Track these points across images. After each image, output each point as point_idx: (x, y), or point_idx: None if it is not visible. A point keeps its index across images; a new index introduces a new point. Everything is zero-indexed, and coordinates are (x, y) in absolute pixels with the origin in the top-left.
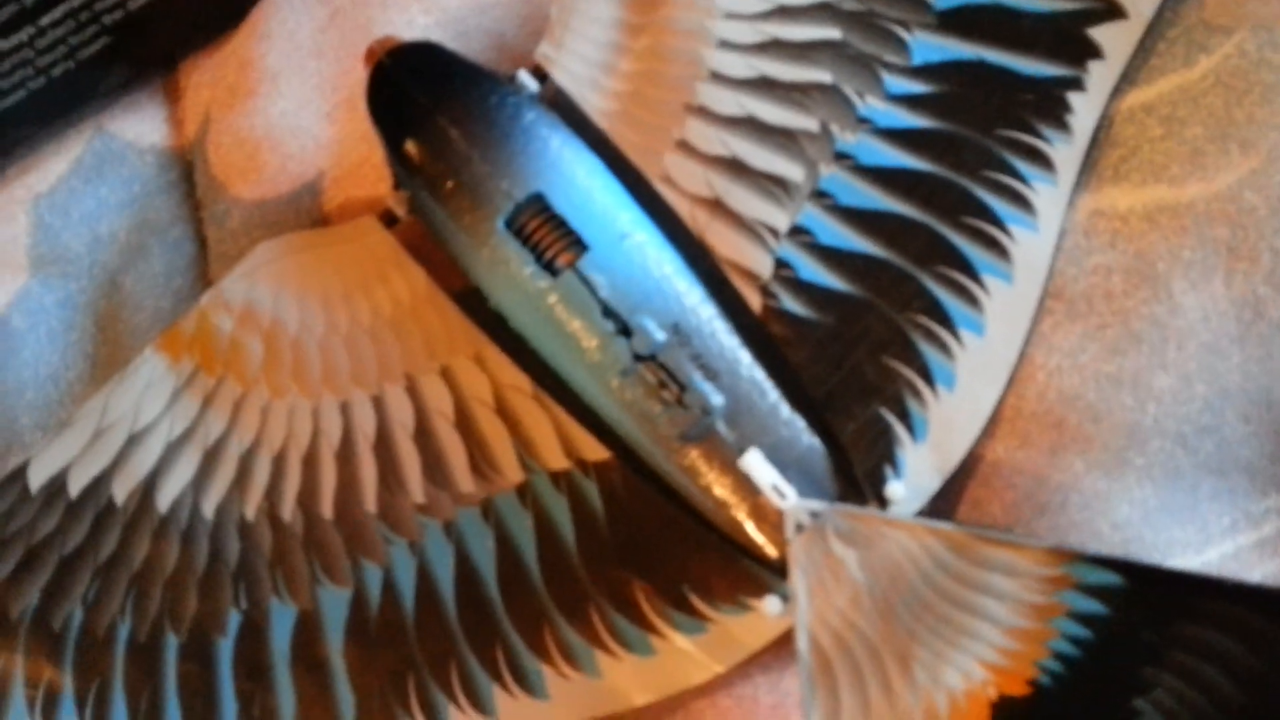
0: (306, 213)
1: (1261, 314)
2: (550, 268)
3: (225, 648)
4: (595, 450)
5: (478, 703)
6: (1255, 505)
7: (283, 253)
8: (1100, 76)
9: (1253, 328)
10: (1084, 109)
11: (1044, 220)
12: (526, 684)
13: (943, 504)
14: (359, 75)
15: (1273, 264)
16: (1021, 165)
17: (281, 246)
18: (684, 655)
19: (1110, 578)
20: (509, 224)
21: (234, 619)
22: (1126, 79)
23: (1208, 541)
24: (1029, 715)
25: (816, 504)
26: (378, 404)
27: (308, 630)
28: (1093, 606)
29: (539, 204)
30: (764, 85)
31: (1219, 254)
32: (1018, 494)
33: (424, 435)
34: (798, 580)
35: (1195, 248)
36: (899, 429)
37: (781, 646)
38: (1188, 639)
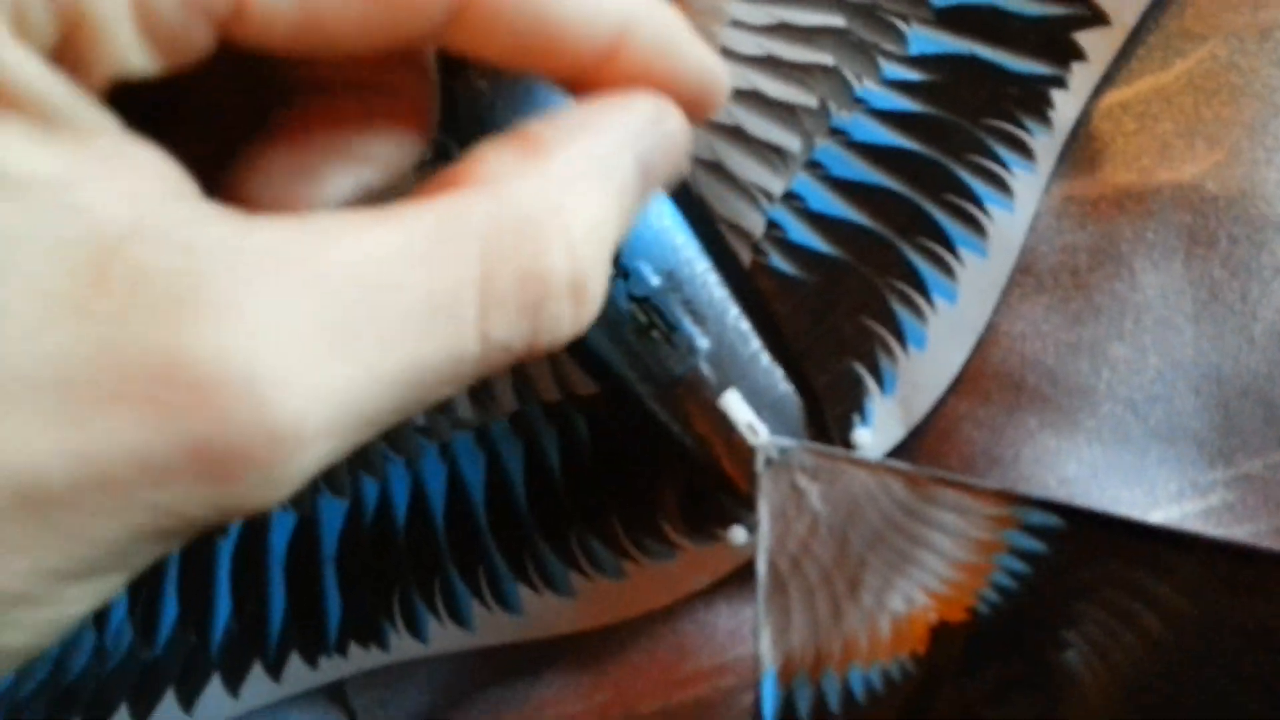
0: None
1: (1217, 295)
2: None
3: (225, 548)
4: (586, 385)
5: (457, 616)
6: (1203, 475)
7: None
8: (1082, 76)
9: (1208, 307)
10: (1065, 105)
11: (1020, 202)
12: (504, 601)
13: (903, 455)
14: None
15: (1230, 249)
16: (1003, 151)
17: None
18: (652, 579)
19: (1051, 519)
20: None
21: (235, 522)
22: (1107, 80)
23: (1154, 505)
24: (965, 639)
25: (786, 441)
26: None
27: (305, 536)
28: (1032, 545)
29: None
30: (770, 63)
31: (1180, 238)
32: (974, 448)
33: None
34: (762, 508)
35: (1158, 231)
36: (870, 382)
37: (744, 578)
38: (1118, 577)
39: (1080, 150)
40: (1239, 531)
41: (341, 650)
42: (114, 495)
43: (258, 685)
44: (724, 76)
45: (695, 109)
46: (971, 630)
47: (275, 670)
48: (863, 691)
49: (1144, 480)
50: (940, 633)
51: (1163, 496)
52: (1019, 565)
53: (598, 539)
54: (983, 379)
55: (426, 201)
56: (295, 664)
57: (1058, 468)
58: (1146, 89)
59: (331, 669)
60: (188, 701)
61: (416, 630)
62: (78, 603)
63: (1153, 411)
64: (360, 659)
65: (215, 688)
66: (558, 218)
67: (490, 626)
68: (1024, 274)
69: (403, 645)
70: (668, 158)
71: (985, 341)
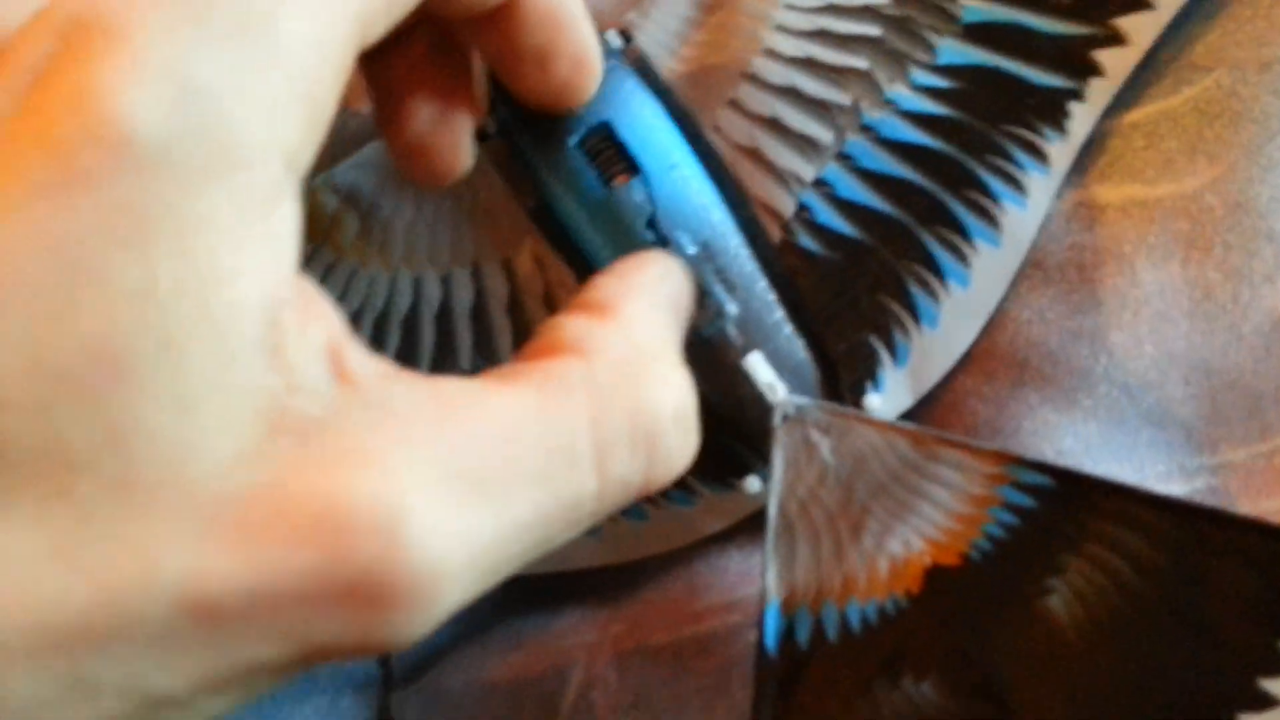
0: None
1: (1210, 295)
2: (608, 183)
3: None
4: None
5: None
6: (1190, 460)
7: (381, 147)
8: (1099, 91)
9: (1201, 305)
10: (1081, 116)
11: (1033, 201)
12: None
13: (911, 420)
14: None
15: (1224, 255)
16: (1020, 154)
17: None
18: (672, 521)
19: (1042, 479)
20: (580, 143)
21: None
22: (1122, 103)
23: (1142, 483)
24: (957, 581)
25: (802, 399)
26: (444, 283)
27: None
28: (1024, 500)
29: (606, 131)
30: (809, 64)
31: (1179, 242)
32: (978, 419)
33: (479, 315)
34: (777, 457)
35: (1159, 235)
36: (884, 354)
37: (757, 525)
38: (1101, 533)
39: (1092, 164)
40: None
41: None
42: (273, 621)
43: None
44: (597, 65)
45: (572, 82)
46: (964, 574)
47: None
48: (858, 623)
49: (1134, 459)
50: (934, 574)
51: (1151, 476)
52: (1010, 518)
53: None
54: (990, 358)
55: (525, 369)
56: None
57: (1055, 440)
58: (1156, 111)
59: None
60: None
61: None
62: (210, 712)
63: (1145, 396)
64: None
65: None
66: (647, 359)
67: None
68: (1034, 268)
69: None
70: (684, 297)
71: (993, 324)
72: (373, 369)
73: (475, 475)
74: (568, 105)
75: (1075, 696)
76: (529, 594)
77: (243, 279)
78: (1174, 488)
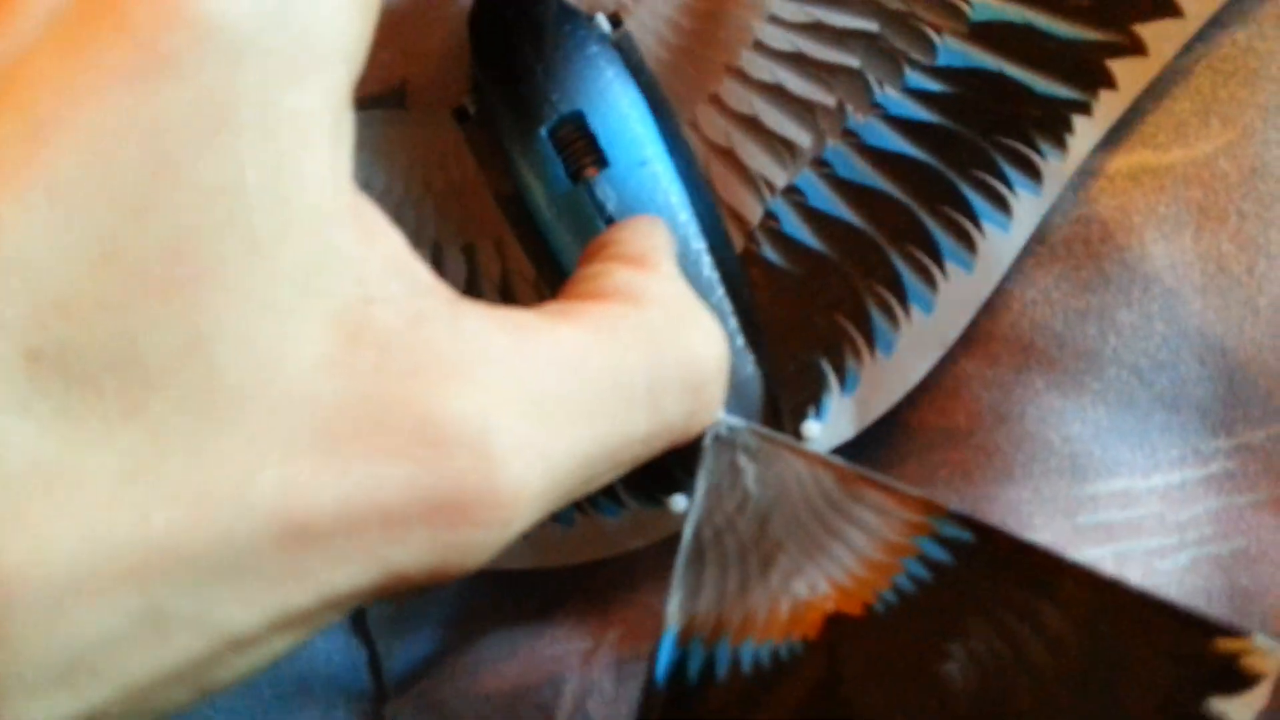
0: None
1: (1224, 268)
2: (574, 175)
3: None
4: None
5: None
6: (1205, 443)
7: (367, 121)
8: (1109, 105)
9: (1215, 279)
10: (1085, 132)
11: (1017, 224)
12: None
13: (912, 409)
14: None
15: (1239, 225)
16: (1011, 171)
17: (368, 116)
18: (597, 531)
19: (963, 534)
20: (551, 132)
21: None
22: None
23: (1155, 468)
24: (857, 632)
25: (736, 421)
26: None
27: None
28: (940, 554)
29: (578, 120)
30: (798, 59)
31: (1191, 212)
32: (981, 405)
33: None
34: (700, 480)
35: (1170, 204)
36: (832, 379)
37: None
38: (1014, 600)
39: None
40: (1240, 500)
41: None
42: (359, 543)
43: None
44: None
45: None
46: (865, 626)
47: None
48: (750, 665)
49: (1146, 444)
50: (834, 623)
51: (1163, 460)
52: (923, 572)
53: None
54: (992, 341)
55: (584, 308)
56: None
57: (1062, 426)
58: (1167, 70)
59: None
60: None
61: None
62: (269, 655)
63: (1158, 378)
64: None
65: None
66: (691, 311)
67: None
68: (1038, 243)
69: None
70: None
71: (997, 305)
72: (442, 286)
73: (548, 401)
74: None
75: None
76: (521, 599)
77: (322, 182)
78: (1188, 472)
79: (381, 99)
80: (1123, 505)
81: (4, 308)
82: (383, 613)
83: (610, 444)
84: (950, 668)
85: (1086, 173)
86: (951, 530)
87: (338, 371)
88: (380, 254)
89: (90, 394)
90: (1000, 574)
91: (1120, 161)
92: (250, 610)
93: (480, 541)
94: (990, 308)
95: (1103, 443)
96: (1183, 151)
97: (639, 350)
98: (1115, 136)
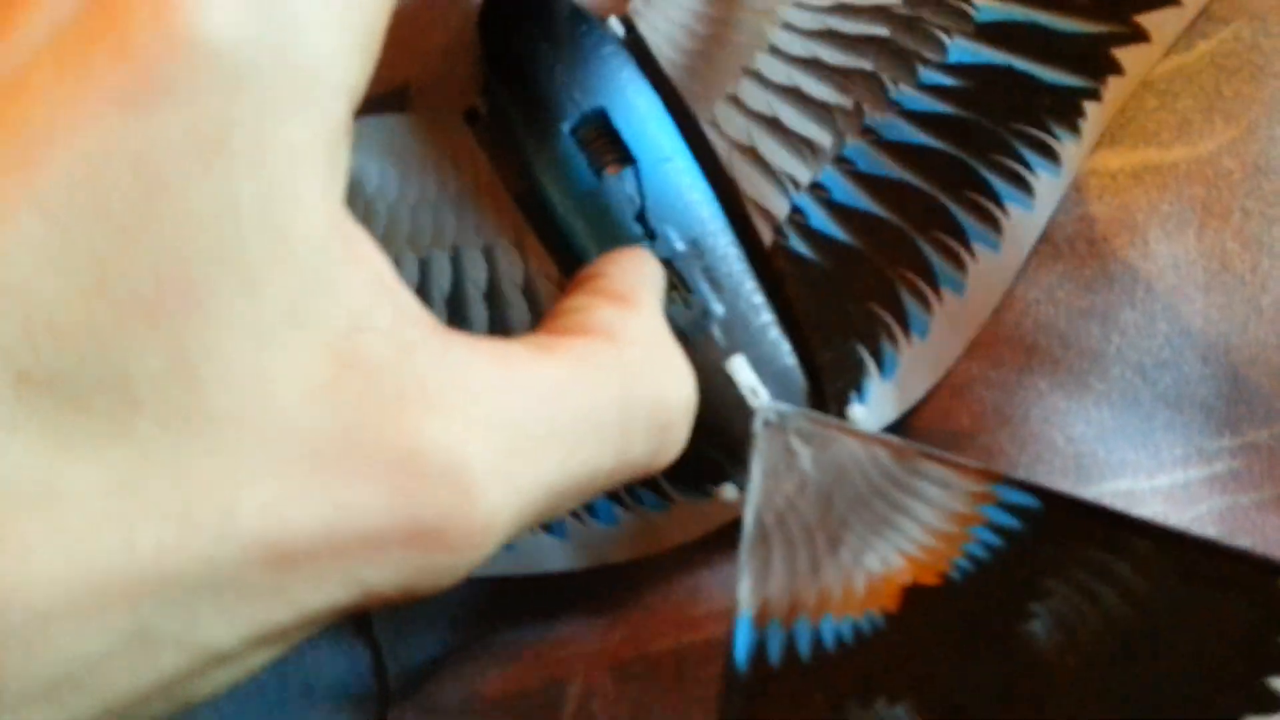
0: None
1: (1227, 266)
2: (598, 173)
3: None
4: None
5: None
6: (1209, 442)
7: (378, 127)
8: (1117, 90)
9: (1218, 277)
10: (1096, 116)
11: (1040, 202)
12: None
13: (916, 412)
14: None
15: (1242, 222)
16: (1029, 154)
17: (379, 122)
18: (644, 528)
19: (1028, 499)
20: (573, 130)
21: None
22: None
23: (1159, 468)
24: (936, 601)
25: (784, 406)
26: (423, 266)
27: None
28: (1008, 520)
29: (601, 118)
30: (814, 64)
31: (1194, 210)
32: (985, 406)
33: (456, 302)
34: (756, 465)
35: (1174, 202)
36: (870, 364)
37: (734, 537)
38: (1086, 558)
39: (1104, 126)
40: (1244, 499)
41: None
42: (338, 565)
43: None
44: None
45: None
46: (943, 594)
47: None
48: (833, 641)
49: (1150, 443)
50: (912, 593)
51: (1167, 460)
52: (994, 539)
53: None
54: (996, 343)
55: (563, 343)
56: None
57: (1066, 427)
58: (1170, 69)
59: None
60: None
61: None
62: (248, 669)
63: (1161, 377)
64: None
65: None
66: (665, 353)
67: (496, 560)
68: (1043, 242)
69: None
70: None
71: (1000, 306)
72: (428, 314)
73: (524, 433)
74: None
75: None
76: (524, 602)
77: (315, 212)
78: (1192, 472)
79: (384, 100)
80: (1127, 505)
81: None
82: (387, 616)
83: (579, 476)
84: (1033, 626)
85: (1091, 171)
86: (1016, 497)
87: (323, 399)
88: (370, 284)
89: (78, 415)
90: (1070, 535)
91: (1123, 159)
92: (233, 628)
93: (453, 564)
94: (994, 309)
95: (1107, 443)
96: (1186, 149)
97: (613, 389)
98: (1119, 134)
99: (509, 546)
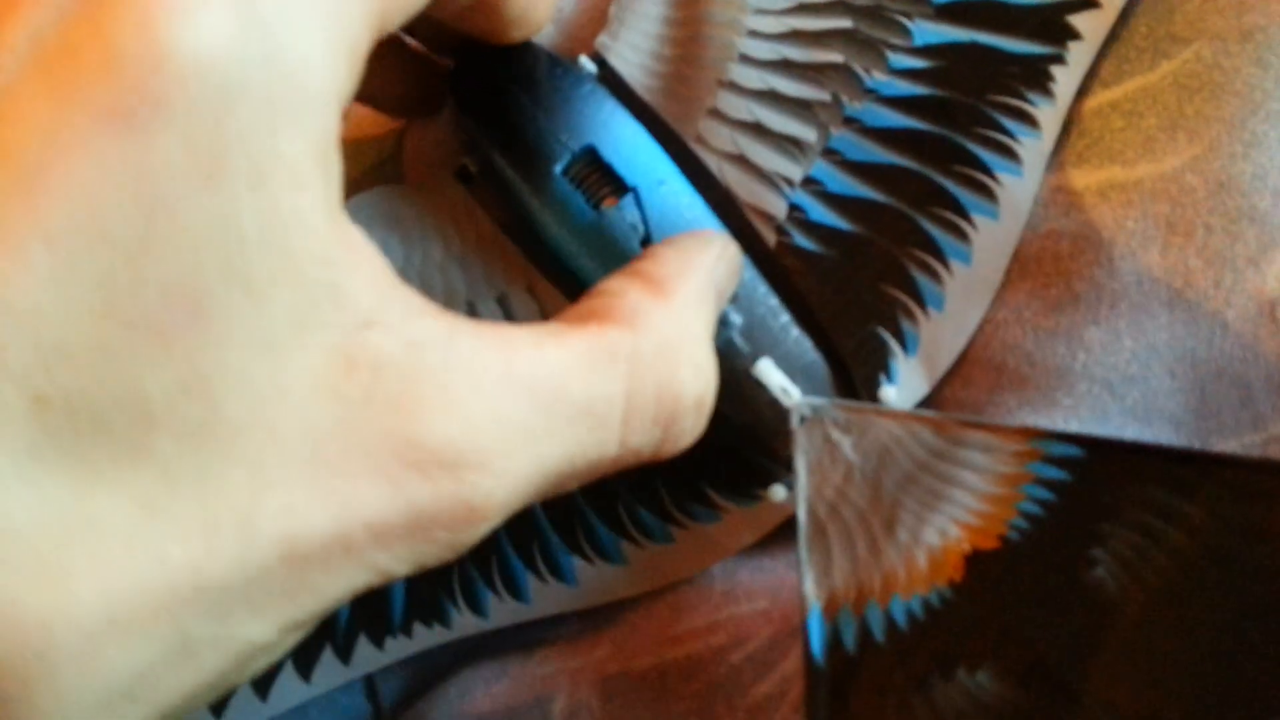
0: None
1: (1191, 283)
2: (598, 206)
3: None
4: None
5: (514, 590)
6: None
7: (375, 200)
8: (1079, 53)
9: (1182, 294)
10: (1065, 79)
11: (1028, 167)
12: (559, 573)
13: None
14: None
15: (1205, 239)
16: (1009, 122)
17: (375, 194)
18: (699, 541)
19: (1072, 449)
20: (565, 171)
21: None
22: (1100, 81)
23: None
24: (999, 564)
25: (817, 399)
26: None
27: None
28: (1056, 473)
29: (591, 154)
30: (785, 65)
31: (1159, 227)
32: None
33: None
34: (800, 461)
35: (1138, 219)
36: (893, 344)
37: (787, 532)
38: (1138, 497)
39: (1069, 147)
40: None
41: (406, 630)
42: (351, 555)
43: (328, 668)
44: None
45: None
46: (1005, 556)
47: (345, 653)
48: (905, 619)
49: None
50: (975, 560)
51: None
52: (1045, 493)
53: (645, 508)
54: (966, 363)
55: (580, 328)
56: (363, 645)
57: None
58: (1134, 89)
59: (396, 649)
60: (263, 691)
61: (477, 606)
62: (282, 651)
63: (1129, 392)
64: (424, 638)
65: (288, 674)
66: (687, 346)
67: (547, 598)
68: (1009, 261)
69: (464, 621)
70: (732, 280)
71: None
72: (434, 306)
73: (524, 421)
74: (524, 36)
75: (1138, 665)
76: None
77: (315, 221)
78: None
79: (377, 171)
80: None
81: (8, 355)
82: None
83: (577, 464)
84: (1097, 572)
85: (1058, 189)
86: (1059, 449)
87: (331, 399)
88: (373, 283)
89: (98, 436)
90: (1118, 477)
91: (1088, 177)
92: (265, 623)
93: (454, 542)
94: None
95: None
96: (1151, 166)
97: (619, 381)
98: (1086, 153)
99: (571, 583)
